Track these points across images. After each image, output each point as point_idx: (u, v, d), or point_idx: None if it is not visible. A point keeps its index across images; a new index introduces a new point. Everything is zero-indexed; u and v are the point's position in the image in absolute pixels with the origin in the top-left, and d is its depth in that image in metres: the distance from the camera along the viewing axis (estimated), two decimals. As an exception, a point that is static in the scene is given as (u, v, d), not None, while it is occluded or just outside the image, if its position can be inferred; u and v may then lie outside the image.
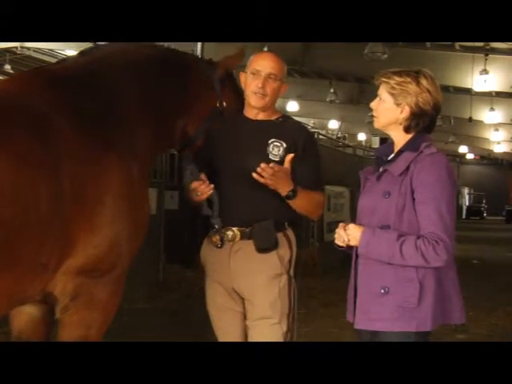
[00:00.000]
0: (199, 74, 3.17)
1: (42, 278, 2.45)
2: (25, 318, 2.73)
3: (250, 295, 3.03)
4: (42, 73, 2.84)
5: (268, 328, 2.99)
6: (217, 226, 3.03)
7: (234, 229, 3.01)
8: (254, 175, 2.84)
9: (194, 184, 2.98)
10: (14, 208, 2.27)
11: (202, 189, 2.96)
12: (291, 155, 2.93)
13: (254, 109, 3.09)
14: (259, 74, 3.03)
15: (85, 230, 2.51)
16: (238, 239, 3.01)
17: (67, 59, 3.03)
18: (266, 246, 2.98)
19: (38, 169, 2.36)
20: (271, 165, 2.84)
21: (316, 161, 3.14)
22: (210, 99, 3.19)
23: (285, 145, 3.03)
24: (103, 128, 2.68)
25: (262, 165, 2.83)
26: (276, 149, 3.03)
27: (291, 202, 2.97)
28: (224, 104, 3.22)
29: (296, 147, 3.03)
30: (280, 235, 3.03)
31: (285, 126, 3.11)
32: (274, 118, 3.13)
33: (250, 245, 2.99)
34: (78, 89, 2.71)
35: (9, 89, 2.62)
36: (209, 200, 3.01)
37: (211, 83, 3.20)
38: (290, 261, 3.06)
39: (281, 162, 2.96)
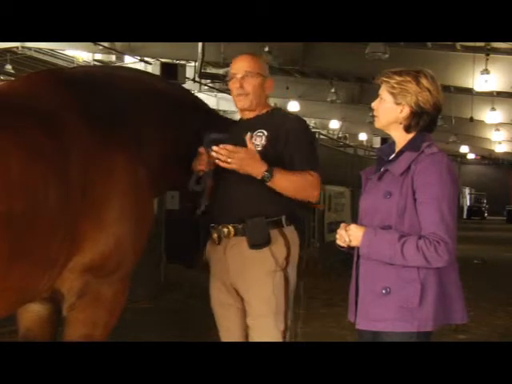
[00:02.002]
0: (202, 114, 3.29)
1: (50, 274, 2.48)
2: (32, 317, 2.77)
3: (244, 292, 3.04)
4: (54, 73, 2.93)
5: (264, 326, 2.99)
6: (202, 206, 3.05)
7: (229, 226, 3.02)
8: (216, 161, 2.86)
9: (201, 150, 3.00)
10: (26, 201, 2.31)
11: (203, 159, 2.99)
12: (249, 134, 2.91)
13: (243, 111, 3.14)
14: (235, 76, 3.09)
15: (92, 226, 2.56)
16: (232, 236, 3.02)
17: (82, 66, 3.12)
18: (258, 242, 2.97)
19: (48, 164, 2.41)
20: (222, 146, 2.84)
21: (303, 144, 3.07)
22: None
23: (266, 133, 3.03)
24: (113, 130, 2.74)
25: (214, 147, 2.84)
26: (258, 139, 3.04)
27: (273, 185, 2.92)
28: None
29: (279, 135, 3.02)
30: (275, 232, 3.01)
31: (270, 117, 3.12)
32: (264, 111, 3.15)
33: (243, 241, 3.00)
34: (91, 92, 2.77)
35: (20, 88, 2.67)
36: (199, 177, 3.02)
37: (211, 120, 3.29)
38: (286, 258, 3.03)
39: (262, 151, 2.97)
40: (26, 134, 2.39)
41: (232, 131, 3.12)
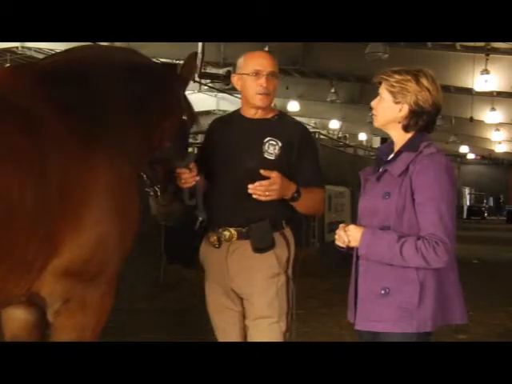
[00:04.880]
0: (173, 89, 3.12)
1: (27, 277, 2.40)
2: (17, 323, 2.69)
3: (248, 295, 3.03)
4: (29, 68, 2.78)
5: (267, 327, 3.00)
6: (200, 218, 3.05)
7: (231, 229, 3.01)
8: (253, 195, 2.86)
9: (180, 170, 3.00)
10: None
11: (186, 177, 2.99)
12: (272, 172, 2.87)
13: (254, 108, 3.10)
14: (261, 73, 3.03)
15: (71, 228, 2.46)
16: (234, 239, 3.01)
17: (54, 55, 2.99)
18: (263, 246, 2.98)
19: (24, 164, 2.30)
20: (257, 183, 2.84)
21: (314, 156, 3.14)
22: (178, 112, 3.12)
23: (280, 143, 3.03)
24: (92, 126, 2.62)
25: (250, 186, 2.84)
26: (271, 147, 3.03)
27: (296, 203, 2.97)
28: (184, 117, 3.18)
29: (292, 145, 3.03)
30: (277, 235, 3.02)
31: (281, 124, 3.10)
32: (270, 115, 3.13)
33: (246, 245, 2.99)
34: (67, 87, 2.63)
35: None
36: (192, 190, 3.03)
37: (179, 97, 3.15)
38: (287, 260, 3.06)
39: (276, 161, 2.98)
40: None
41: (235, 125, 3.12)
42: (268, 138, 3.04)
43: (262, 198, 2.86)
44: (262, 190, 2.85)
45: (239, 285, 3.03)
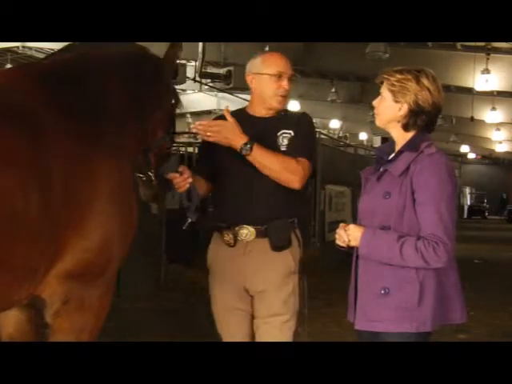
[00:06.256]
0: (163, 77, 3.11)
1: (31, 283, 2.38)
2: (13, 323, 2.68)
3: (262, 293, 3.02)
4: (30, 68, 2.76)
5: (279, 325, 2.99)
6: (190, 220, 3.02)
7: (249, 227, 2.99)
8: (195, 130, 2.99)
9: (170, 175, 2.97)
10: (1, 210, 2.17)
11: (178, 182, 2.95)
12: (227, 107, 3.01)
13: (268, 109, 3.11)
14: (283, 76, 3.07)
15: (75, 233, 2.43)
16: (253, 237, 3.00)
17: (54, 54, 2.98)
18: (281, 244, 2.99)
19: (27, 169, 2.26)
20: (199, 122, 2.95)
21: (306, 135, 3.10)
22: (169, 100, 3.12)
23: (292, 133, 3.05)
24: (93, 126, 2.59)
25: (196, 124, 2.97)
26: (285, 139, 3.05)
27: (252, 160, 2.92)
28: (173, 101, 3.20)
29: (299, 132, 3.07)
30: (292, 234, 3.04)
31: (289, 117, 3.14)
32: (276, 113, 3.15)
33: (264, 243, 2.98)
34: (67, 86, 2.61)
35: None
36: (188, 192, 3.00)
37: (169, 84, 3.15)
38: (300, 259, 3.06)
39: (287, 151, 2.99)
40: (1, 135, 2.22)
41: (248, 127, 3.07)
42: (282, 131, 3.06)
43: (206, 138, 2.94)
44: (202, 128, 2.92)
45: (254, 283, 3.01)
